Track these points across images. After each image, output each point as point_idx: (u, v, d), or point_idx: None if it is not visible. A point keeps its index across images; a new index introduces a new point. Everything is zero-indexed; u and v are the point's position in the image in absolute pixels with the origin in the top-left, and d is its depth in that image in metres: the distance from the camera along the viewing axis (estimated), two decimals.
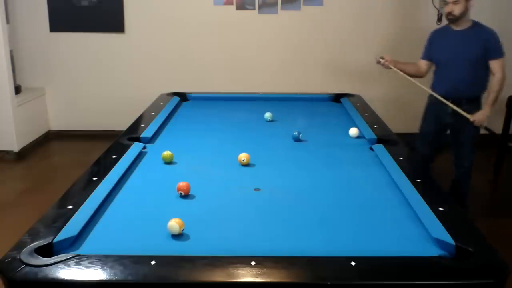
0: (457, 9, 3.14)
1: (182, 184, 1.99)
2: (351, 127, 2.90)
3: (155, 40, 5.20)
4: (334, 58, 5.21)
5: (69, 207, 1.80)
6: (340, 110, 3.52)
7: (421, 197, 1.92)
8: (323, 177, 2.25)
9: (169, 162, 2.39)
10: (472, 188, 3.48)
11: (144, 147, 2.59)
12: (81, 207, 1.80)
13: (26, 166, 4.67)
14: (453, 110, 3.25)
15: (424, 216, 1.77)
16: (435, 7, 4.98)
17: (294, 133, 2.77)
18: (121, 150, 2.45)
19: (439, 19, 4.99)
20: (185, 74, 5.24)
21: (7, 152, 4.79)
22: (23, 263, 1.43)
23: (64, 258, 1.47)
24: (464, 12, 3.16)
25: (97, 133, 5.30)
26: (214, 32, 5.16)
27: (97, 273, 1.41)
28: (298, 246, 1.62)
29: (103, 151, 2.47)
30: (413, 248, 1.61)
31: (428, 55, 3.49)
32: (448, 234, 1.61)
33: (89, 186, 2.00)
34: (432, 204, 1.85)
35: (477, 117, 3.15)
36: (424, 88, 3.39)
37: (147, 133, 2.78)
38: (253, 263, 1.45)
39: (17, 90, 4.90)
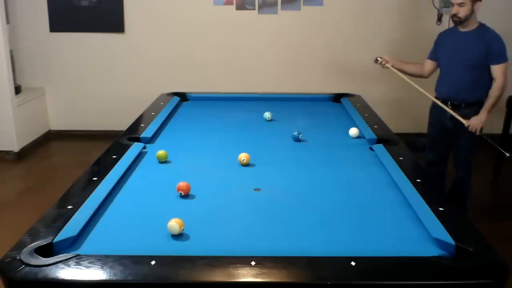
0: (462, 12, 3.10)
1: (182, 184, 1.99)
2: (351, 127, 2.90)
3: (155, 40, 5.21)
4: (334, 58, 5.21)
5: (69, 207, 1.80)
6: (340, 110, 3.52)
7: (421, 197, 1.92)
8: (323, 177, 2.25)
9: (164, 161, 2.39)
10: (472, 189, 3.47)
11: (144, 147, 2.59)
12: (81, 207, 1.80)
13: (26, 166, 4.67)
14: (452, 115, 3.25)
15: (424, 216, 1.77)
16: (435, 7, 4.98)
17: (294, 133, 2.77)
18: (121, 150, 2.45)
19: (439, 19, 4.99)
20: (185, 74, 5.24)
21: (7, 152, 4.79)
22: (23, 263, 1.43)
23: (64, 258, 1.47)
24: (470, 15, 3.11)
25: (97, 133, 5.30)
26: (214, 32, 5.16)
27: (97, 273, 1.41)
28: (298, 246, 1.62)
29: (103, 151, 2.47)
30: (413, 248, 1.61)
31: (433, 56, 3.47)
32: (448, 234, 1.61)
33: (89, 186, 2.00)
34: (432, 204, 1.85)
35: (472, 122, 3.11)
36: (421, 90, 3.37)
37: (147, 133, 2.78)
38: (253, 263, 1.45)
39: (17, 90, 4.90)
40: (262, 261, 1.46)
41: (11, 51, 4.79)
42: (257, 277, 1.40)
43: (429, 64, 3.50)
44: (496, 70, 3.10)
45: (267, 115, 3.21)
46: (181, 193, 1.98)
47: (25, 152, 4.89)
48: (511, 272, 1.45)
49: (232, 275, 1.42)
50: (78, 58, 5.27)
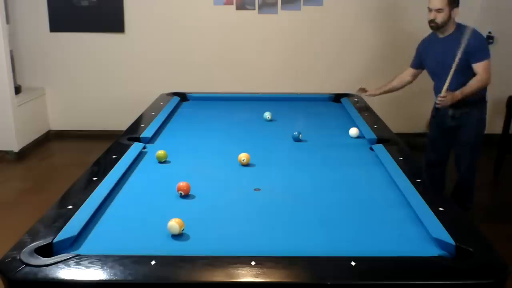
0: (440, 17, 3.09)
1: (182, 184, 1.99)
2: (351, 127, 2.90)
3: (155, 40, 5.21)
4: (334, 58, 5.21)
5: (69, 207, 1.80)
6: (340, 110, 3.52)
7: (421, 197, 1.92)
8: (323, 177, 2.25)
9: (163, 161, 2.39)
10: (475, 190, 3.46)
11: (144, 147, 2.59)
12: (81, 207, 1.80)
13: (26, 166, 4.67)
14: (453, 113, 3.24)
15: (424, 216, 1.77)
16: None
17: (294, 133, 2.77)
18: (121, 150, 2.45)
19: None
20: (185, 74, 5.24)
21: (7, 152, 4.79)
22: (23, 263, 1.43)
23: (64, 258, 1.47)
24: (447, 20, 3.10)
25: (97, 133, 5.30)
26: (214, 32, 5.16)
27: (97, 273, 1.41)
28: (298, 246, 1.62)
29: (103, 151, 2.47)
30: (413, 248, 1.61)
31: (415, 64, 3.52)
32: (448, 234, 1.61)
33: (89, 186, 2.00)
34: (432, 204, 1.85)
35: (448, 96, 3.04)
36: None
37: (147, 133, 2.78)
38: (253, 263, 1.45)
39: (17, 90, 4.90)
40: (262, 261, 1.46)
41: (11, 51, 4.80)
42: (257, 277, 1.40)
43: (408, 74, 3.57)
44: (479, 68, 3.05)
45: (267, 115, 3.21)
46: (181, 193, 1.98)
47: (25, 152, 4.89)
48: (511, 272, 1.45)
49: (232, 275, 1.42)
50: (78, 58, 5.27)
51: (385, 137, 2.73)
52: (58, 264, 1.44)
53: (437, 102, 3.10)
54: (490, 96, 3.36)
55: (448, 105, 3.09)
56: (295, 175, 2.29)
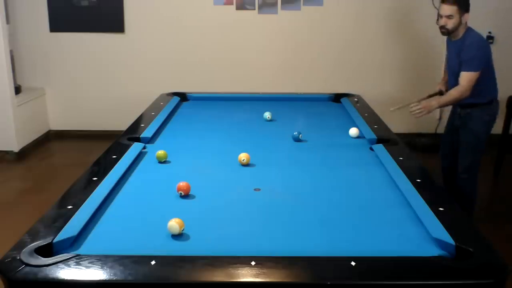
0: (450, 23, 3.08)
1: (182, 184, 1.99)
2: (351, 127, 2.90)
3: (155, 40, 5.20)
4: (334, 58, 5.21)
5: (69, 207, 1.80)
6: (340, 110, 3.52)
7: (421, 197, 1.92)
8: (323, 177, 2.25)
9: (163, 161, 2.40)
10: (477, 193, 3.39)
11: (144, 147, 2.59)
12: (81, 207, 1.80)
13: (26, 166, 4.67)
14: (459, 112, 3.26)
15: (424, 216, 1.77)
16: (435, 7, 4.98)
17: (294, 133, 2.77)
18: (121, 150, 2.45)
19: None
20: (185, 74, 5.24)
21: (7, 152, 4.79)
22: (23, 263, 1.43)
23: (64, 258, 1.47)
24: (457, 26, 3.09)
25: (97, 133, 5.30)
26: (214, 32, 5.16)
27: (97, 273, 1.41)
28: (298, 246, 1.62)
29: (103, 151, 2.47)
30: (413, 248, 1.61)
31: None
32: (448, 234, 1.61)
33: (89, 186, 2.00)
34: (432, 204, 1.85)
35: (422, 103, 3.05)
36: None
37: (147, 133, 2.78)
38: (253, 263, 1.45)
39: (17, 90, 4.90)
40: (262, 261, 1.46)
41: (11, 51, 4.79)
42: (257, 277, 1.40)
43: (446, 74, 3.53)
44: (461, 77, 3.06)
45: (267, 115, 3.21)
46: (181, 193, 1.98)
47: (25, 152, 4.89)
48: (511, 272, 1.45)
49: (232, 275, 1.42)
50: (78, 58, 5.27)
51: (385, 137, 2.73)
52: (58, 264, 1.44)
53: (410, 110, 3.09)
54: None
55: (426, 114, 3.08)
56: (295, 175, 2.29)
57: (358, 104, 3.52)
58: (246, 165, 2.36)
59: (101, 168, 2.22)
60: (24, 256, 1.46)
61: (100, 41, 5.21)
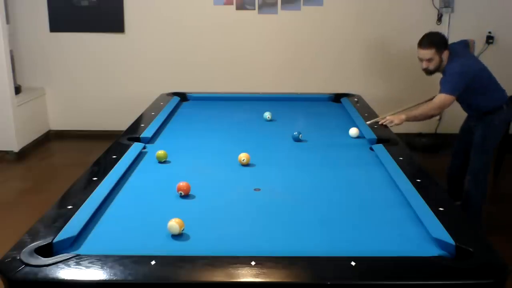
0: (431, 65, 3.10)
1: (182, 184, 1.99)
2: (351, 127, 2.90)
3: (155, 40, 5.20)
4: (334, 58, 5.21)
5: (69, 207, 1.80)
6: (340, 110, 3.52)
7: (421, 197, 1.92)
8: (323, 177, 2.25)
9: (163, 161, 2.40)
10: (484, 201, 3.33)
11: (144, 147, 2.59)
12: (81, 207, 1.80)
13: (26, 166, 4.67)
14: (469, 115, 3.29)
15: (424, 216, 1.77)
16: (435, 7, 4.98)
17: (294, 133, 2.77)
18: (121, 150, 2.45)
19: (439, 19, 4.99)
20: (185, 74, 5.23)
21: (7, 152, 4.78)
22: (23, 263, 1.43)
23: (64, 258, 1.47)
24: (439, 65, 3.10)
25: (97, 133, 5.30)
26: (214, 32, 5.16)
27: (97, 273, 1.41)
28: (298, 246, 1.62)
29: (103, 151, 2.47)
30: (413, 248, 1.61)
31: None
32: (448, 234, 1.61)
33: (89, 186, 2.00)
34: (432, 204, 1.85)
35: (388, 117, 3.06)
36: None
37: (147, 133, 2.78)
38: (253, 263, 1.45)
39: (17, 90, 4.90)
40: (262, 261, 1.46)
41: (11, 51, 4.79)
42: (257, 277, 1.40)
43: None
44: (436, 96, 3.08)
45: (267, 115, 3.21)
46: (181, 193, 1.98)
47: (25, 152, 4.88)
48: (511, 272, 1.45)
49: (232, 275, 1.42)
50: (78, 58, 5.27)
51: (385, 137, 2.73)
52: (58, 264, 1.44)
53: (380, 122, 3.06)
54: None
55: (397, 124, 3.06)
56: (295, 175, 2.29)
57: (358, 104, 3.53)
58: (246, 165, 2.36)
59: (101, 168, 2.22)
60: (24, 256, 1.46)
61: (100, 41, 5.20)
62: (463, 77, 3.03)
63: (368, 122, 2.98)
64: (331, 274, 1.44)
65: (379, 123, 3.03)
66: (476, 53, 4.34)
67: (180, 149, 2.62)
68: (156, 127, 2.91)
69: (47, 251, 1.52)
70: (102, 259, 1.46)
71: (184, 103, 3.71)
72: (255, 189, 2.09)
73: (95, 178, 2.08)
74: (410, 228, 1.75)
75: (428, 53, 3.07)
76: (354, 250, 1.56)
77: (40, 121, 5.34)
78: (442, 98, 3.04)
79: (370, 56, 5.19)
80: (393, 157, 2.38)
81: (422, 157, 4.53)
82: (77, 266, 1.43)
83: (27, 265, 1.43)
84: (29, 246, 1.52)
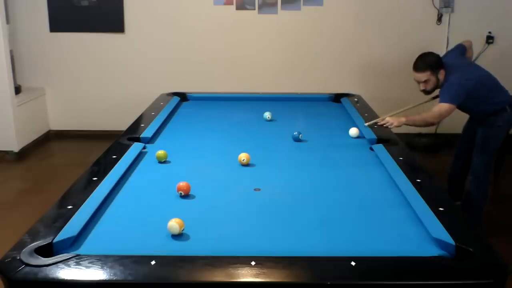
0: (429, 86, 3.11)
1: (182, 184, 1.99)
2: (351, 127, 2.90)
3: (155, 40, 5.20)
4: (334, 58, 5.21)
5: (69, 207, 1.80)
6: (340, 110, 3.52)
7: (421, 197, 1.92)
8: (323, 177, 2.25)
9: (163, 161, 2.40)
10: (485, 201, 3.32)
11: (144, 147, 2.59)
12: (81, 207, 1.80)
13: (26, 166, 4.67)
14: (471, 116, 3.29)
15: (424, 216, 1.77)
16: (435, 7, 4.98)
17: (294, 133, 2.77)
18: (121, 150, 2.45)
19: (439, 19, 4.99)
20: (185, 74, 5.23)
21: (7, 152, 4.78)
22: (23, 263, 1.43)
23: (64, 258, 1.47)
24: (437, 84, 3.10)
25: (97, 133, 5.30)
26: (214, 32, 5.16)
27: (97, 273, 1.41)
28: (298, 246, 1.62)
29: (103, 151, 2.47)
30: (413, 248, 1.61)
31: None
32: (448, 234, 1.61)
33: (89, 186, 2.00)
34: (432, 204, 1.85)
35: (387, 119, 3.04)
36: None
37: (147, 133, 2.78)
38: (253, 263, 1.45)
39: (17, 90, 4.90)
40: (262, 261, 1.46)
41: (11, 51, 4.79)
42: (257, 277, 1.40)
43: None
44: (437, 104, 3.07)
45: (267, 115, 3.21)
46: (181, 193, 1.98)
47: (25, 152, 4.88)
48: (511, 272, 1.45)
49: (232, 275, 1.42)
50: (78, 58, 5.27)
51: (385, 137, 2.73)
52: (58, 264, 1.44)
53: (379, 123, 3.04)
54: None
55: (396, 126, 3.03)
56: (295, 175, 2.29)
57: (358, 104, 3.53)
58: (246, 165, 2.36)
59: (101, 168, 2.22)
60: (24, 256, 1.46)
61: (100, 41, 5.20)
62: (463, 87, 3.02)
63: (366, 124, 2.98)
64: (331, 274, 1.44)
65: (378, 124, 3.03)
66: (476, 53, 4.35)
67: (180, 149, 2.62)
68: (156, 127, 2.91)
69: (47, 251, 1.52)
70: (102, 259, 1.46)
71: (184, 103, 3.71)
72: (255, 189, 2.09)
73: (95, 178, 2.08)
74: (410, 228, 1.75)
75: (423, 75, 3.07)
76: (354, 250, 1.56)
77: (40, 121, 5.34)
78: (441, 107, 3.02)
79: (370, 56, 5.19)
80: (393, 157, 2.38)
81: (422, 157, 4.52)
82: (77, 266, 1.43)
83: (27, 265, 1.42)
84: (29, 246, 1.52)
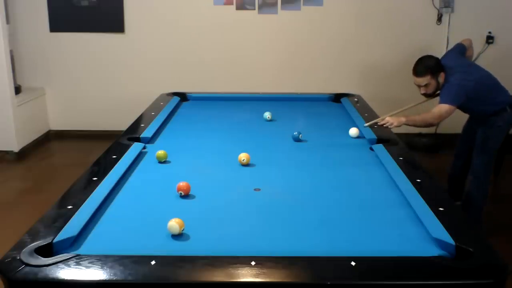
0: (429, 89, 3.11)
1: (182, 184, 1.99)
2: (351, 127, 2.90)
3: (155, 40, 5.20)
4: (334, 58, 5.21)
5: (69, 207, 1.80)
6: (340, 110, 3.52)
7: (421, 197, 1.92)
8: (323, 177, 2.25)
9: (163, 161, 2.40)
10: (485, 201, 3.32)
11: (144, 147, 2.59)
12: (81, 207, 1.80)
13: (26, 166, 4.67)
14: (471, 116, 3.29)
15: (424, 216, 1.77)
16: (435, 7, 4.98)
17: (294, 133, 2.77)
18: (121, 150, 2.45)
19: (439, 19, 4.99)
20: (185, 74, 5.23)
21: (7, 152, 4.78)
22: (23, 263, 1.43)
23: (64, 258, 1.47)
24: (437, 87, 3.10)
25: (97, 133, 5.30)
26: (214, 32, 5.16)
27: (97, 273, 1.41)
28: (298, 246, 1.62)
29: (103, 151, 2.47)
30: (413, 248, 1.61)
31: None
32: (448, 234, 1.61)
33: (89, 186, 2.00)
34: (432, 204, 1.85)
35: (387, 119, 3.04)
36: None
37: (147, 133, 2.78)
38: (253, 263, 1.45)
39: (17, 90, 4.90)
40: (262, 261, 1.46)
41: (11, 51, 4.79)
42: (257, 277, 1.40)
43: None
44: (437, 105, 3.07)
45: (267, 115, 3.21)
46: (181, 193, 1.98)
47: (25, 152, 4.88)
48: (511, 272, 1.45)
49: (232, 275, 1.42)
50: (78, 58, 5.27)
51: (385, 137, 2.73)
52: (58, 264, 1.44)
53: (379, 123, 3.05)
54: None
55: (396, 126, 3.03)
56: (295, 175, 2.29)
57: (358, 104, 3.52)
58: (246, 165, 2.36)
59: (101, 168, 2.22)
60: (24, 256, 1.46)
61: (100, 41, 5.20)
62: (463, 88, 3.02)
63: (366, 124, 2.98)
64: (331, 274, 1.44)
65: (378, 124, 3.03)
66: (476, 53, 4.34)
67: (180, 149, 2.62)
68: (156, 127, 2.91)
69: (47, 251, 1.52)
70: (102, 259, 1.46)
71: (184, 103, 3.71)
72: (255, 189, 2.09)
73: (95, 178, 2.08)
74: (410, 228, 1.75)
75: (424, 80, 3.07)
76: (354, 250, 1.56)
77: (40, 121, 5.34)
78: (441, 108, 3.02)
79: (370, 56, 5.19)
80: (393, 157, 2.38)
81: (422, 157, 4.52)
82: (77, 266, 1.43)
83: (27, 265, 1.42)
84: (29, 246, 1.52)
